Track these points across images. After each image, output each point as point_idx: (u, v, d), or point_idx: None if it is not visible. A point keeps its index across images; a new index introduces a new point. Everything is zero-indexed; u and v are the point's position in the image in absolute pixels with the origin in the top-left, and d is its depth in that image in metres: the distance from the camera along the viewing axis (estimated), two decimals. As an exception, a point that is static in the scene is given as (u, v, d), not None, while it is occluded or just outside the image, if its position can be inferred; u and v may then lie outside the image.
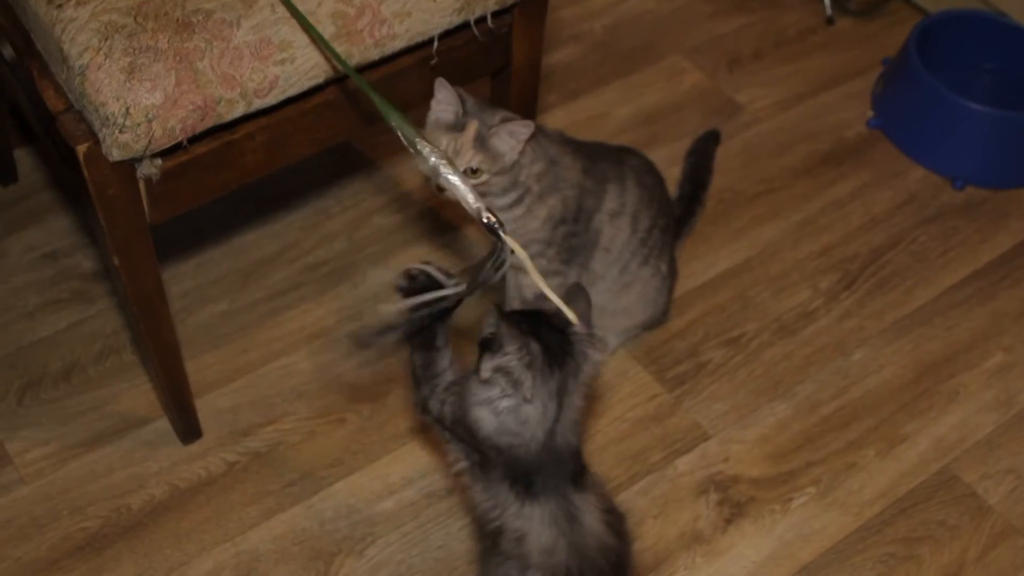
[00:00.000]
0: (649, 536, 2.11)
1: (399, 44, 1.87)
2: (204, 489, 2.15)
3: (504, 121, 1.93)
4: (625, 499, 2.16)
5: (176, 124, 1.69)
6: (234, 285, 2.46)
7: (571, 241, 2.12)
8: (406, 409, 2.25)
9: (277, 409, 2.26)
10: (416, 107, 1.92)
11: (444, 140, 1.92)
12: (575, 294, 1.61)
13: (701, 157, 2.56)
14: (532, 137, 1.97)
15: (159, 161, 1.74)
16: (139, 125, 1.66)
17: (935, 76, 2.71)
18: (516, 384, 1.55)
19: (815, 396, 2.33)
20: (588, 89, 2.92)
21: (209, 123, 1.73)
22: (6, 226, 2.55)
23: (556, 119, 2.81)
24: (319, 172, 2.66)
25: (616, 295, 2.25)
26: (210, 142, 1.79)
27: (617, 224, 2.15)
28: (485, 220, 1.52)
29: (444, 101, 1.93)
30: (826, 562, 2.09)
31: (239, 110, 1.75)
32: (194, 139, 1.75)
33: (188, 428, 2.20)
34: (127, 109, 1.65)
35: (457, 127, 1.93)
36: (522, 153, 1.98)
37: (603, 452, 2.22)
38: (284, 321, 2.40)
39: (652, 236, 2.21)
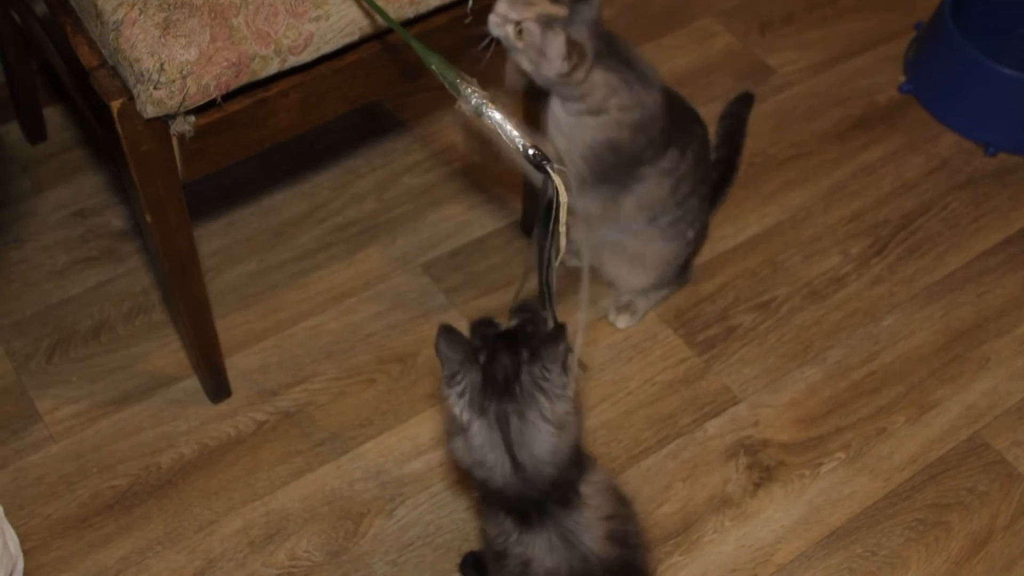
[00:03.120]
0: (678, 499, 2.11)
1: (434, 1, 1.86)
2: (233, 448, 2.15)
3: (573, 44, 1.86)
4: (654, 462, 2.16)
5: (210, 81, 1.69)
6: (263, 245, 2.46)
7: (610, 172, 2.07)
8: (435, 370, 2.24)
9: (306, 369, 2.26)
10: (452, 58, 1.89)
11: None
12: (556, 337, 1.56)
13: (735, 121, 2.54)
14: (637, 79, 1.98)
15: (192, 118, 1.74)
16: (174, 81, 1.65)
17: (968, 41, 2.69)
18: (455, 417, 1.57)
19: (845, 361, 2.32)
20: (618, 52, 2.90)
21: (243, 80, 1.73)
22: (35, 184, 2.55)
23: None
24: (348, 132, 2.65)
25: (640, 242, 2.23)
26: (244, 99, 1.78)
27: (661, 182, 2.12)
28: (531, 154, 1.50)
29: None
30: (855, 527, 2.09)
31: (273, 67, 1.75)
32: (228, 96, 1.75)
33: (217, 387, 2.20)
34: (162, 65, 1.64)
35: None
36: (614, 88, 1.96)
37: (632, 415, 2.22)
38: (313, 281, 2.40)
39: (688, 202, 2.19)
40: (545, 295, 1.64)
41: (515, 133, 1.50)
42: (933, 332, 2.37)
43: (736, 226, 2.54)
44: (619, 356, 2.31)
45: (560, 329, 1.55)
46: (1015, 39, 2.91)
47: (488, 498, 1.66)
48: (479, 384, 1.55)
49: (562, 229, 1.52)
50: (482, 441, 1.56)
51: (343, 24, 1.77)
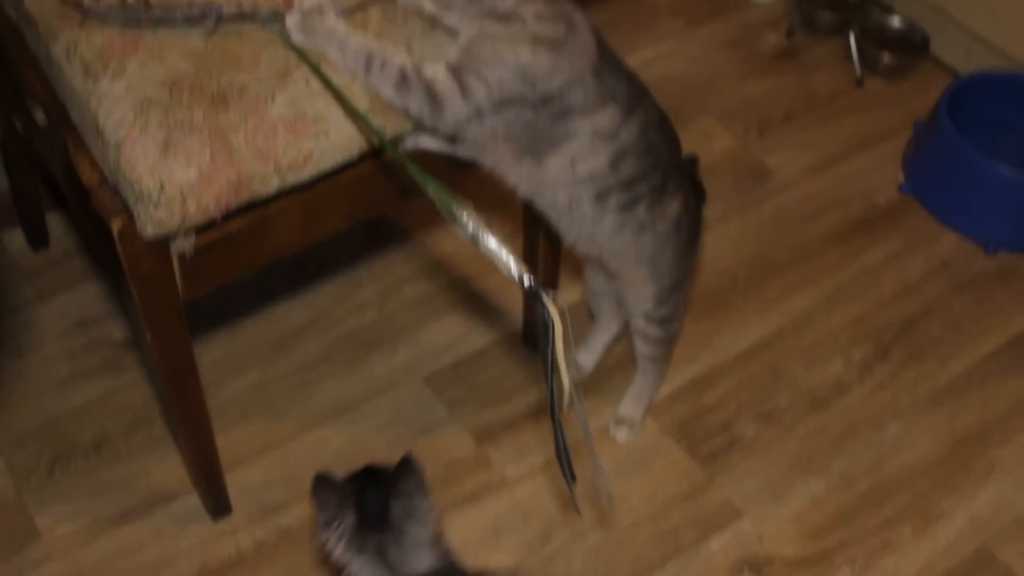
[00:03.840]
0: (684, 615, 2.09)
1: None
2: (234, 567, 2.13)
3: None
4: (659, 578, 2.14)
5: (210, 200, 1.68)
6: (265, 355, 2.45)
7: (523, 115, 1.74)
8: (437, 487, 2.22)
9: (308, 485, 2.21)
10: (448, 179, 1.86)
11: None
12: (407, 467, 1.67)
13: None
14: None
15: (192, 237, 1.73)
16: (173, 201, 1.65)
17: (966, 139, 2.70)
18: (331, 554, 1.66)
19: (849, 472, 2.30)
20: (618, 154, 2.91)
21: (243, 199, 1.73)
22: (38, 292, 2.55)
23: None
24: (350, 240, 2.65)
25: (607, 234, 1.94)
26: (244, 217, 1.78)
27: (595, 145, 1.79)
28: (527, 285, 1.50)
29: None
30: (863, 642, 2.07)
31: (273, 186, 1.74)
32: (228, 215, 1.74)
33: (218, 503, 2.18)
34: (162, 185, 1.64)
35: None
36: None
37: (635, 530, 2.20)
38: (315, 393, 2.39)
39: (636, 188, 1.87)
40: (556, 429, 1.63)
41: (510, 260, 1.50)
42: (937, 440, 2.36)
43: (738, 333, 2.53)
44: (621, 469, 2.29)
45: (407, 461, 1.68)
46: (1014, 136, 2.91)
47: None
48: (355, 524, 1.65)
49: (561, 363, 1.51)
50: (368, 572, 1.65)
51: (342, 141, 1.77)
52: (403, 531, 1.65)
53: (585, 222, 1.90)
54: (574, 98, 1.73)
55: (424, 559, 1.66)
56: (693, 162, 2.18)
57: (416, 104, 1.70)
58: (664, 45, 3.22)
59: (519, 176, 1.84)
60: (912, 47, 3.18)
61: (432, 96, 1.69)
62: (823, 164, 2.94)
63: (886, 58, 3.15)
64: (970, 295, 2.63)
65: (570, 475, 1.61)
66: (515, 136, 1.76)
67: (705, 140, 2.97)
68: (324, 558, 1.69)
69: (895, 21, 3.22)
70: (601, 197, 1.86)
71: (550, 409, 1.57)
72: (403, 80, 1.69)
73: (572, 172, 1.81)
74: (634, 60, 3.07)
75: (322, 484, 1.66)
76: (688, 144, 2.89)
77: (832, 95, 3.12)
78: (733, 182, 2.86)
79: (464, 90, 1.68)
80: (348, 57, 1.71)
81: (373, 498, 1.65)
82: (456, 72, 1.69)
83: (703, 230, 2.13)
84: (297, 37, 1.72)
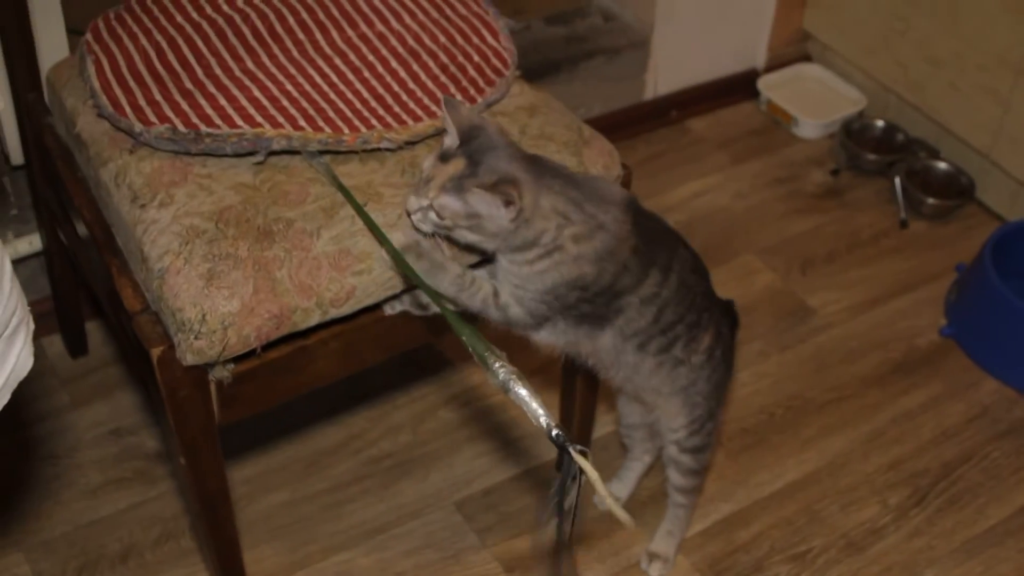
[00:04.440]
0: None
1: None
2: None
3: (498, 185, 1.66)
4: None
5: (251, 332, 1.70)
6: (296, 475, 2.45)
7: (581, 308, 1.82)
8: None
9: (334, 607, 2.24)
10: (483, 321, 1.85)
11: (428, 160, 1.72)
12: None
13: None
14: (586, 197, 1.75)
15: (231, 365, 1.74)
16: (215, 332, 1.66)
17: (1010, 285, 2.69)
18: None
19: (883, 620, 2.28)
20: (660, 286, 2.91)
21: (284, 331, 1.74)
22: (74, 399, 2.56)
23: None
24: (387, 363, 2.63)
25: (644, 375, 1.98)
26: (283, 348, 1.79)
27: (643, 311, 1.86)
28: (554, 436, 1.50)
29: (449, 124, 1.71)
30: None
31: (314, 319, 1.76)
32: (268, 346, 1.75)
33: (244, 622, 2.18)
34: (204, 316, 1.66)
35: (446, 157, 1.70)
36: (564, 213, 1.73)
37: (666, 672, 2.18)
38: (345, 515, 2.38)
39: (674, 330, 1.92)
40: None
41: (540, 412, 1.51)
42: (972, 590, 2.33)
43: (773, 472, 2.51)
44: (652, 606, 2.28)
45: None
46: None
47: None
48: None
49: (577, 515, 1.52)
50: None
51: (385, 279, 1.79)
52: None
53: (626, 367, 1.94)
54: (622, 283, 1.81)
55: None
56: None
57: (496, 320, 1.79)
58: (710, 179, 3.24)
59: (573, 347, 1.91)
60: (957, 191, 3.19)
61: (507, 319, 1.80)
62: (865, 305, 2.93)
63: (931, 201, 3.15)
64: (1010, 443, 2.61)
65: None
66: (574, 326, 1.84)
67: (747, 276, 2.97)
68: None
69: (941, 165, 3.23)
70: (643, 346, 1.90)
71: (554, 553, 1.58)
72: (485, 305, 1.77)
73: (622, 336, 1.88)
74: (679, 194, 3.12)
75: None
76: (730, 279, 2.94)
77: (876, 236, 3.13)
78: (774, 320, 2.86)
79: (531, 314, 1.79)
80: (445, 281, 1.73)
81: None
82: (519, 301, 1.78)
83: (736, 360, 2.15)
84: (400, 238, 1.73)
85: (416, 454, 2.50)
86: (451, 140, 1.70)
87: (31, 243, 2.48)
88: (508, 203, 1.66)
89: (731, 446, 2.55)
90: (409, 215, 1.72)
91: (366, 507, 2.40)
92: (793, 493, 2.48)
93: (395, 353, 1.97)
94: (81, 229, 2.04)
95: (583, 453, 1.51)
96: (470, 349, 1.58)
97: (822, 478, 2.51)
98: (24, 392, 2.43)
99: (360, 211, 1.75)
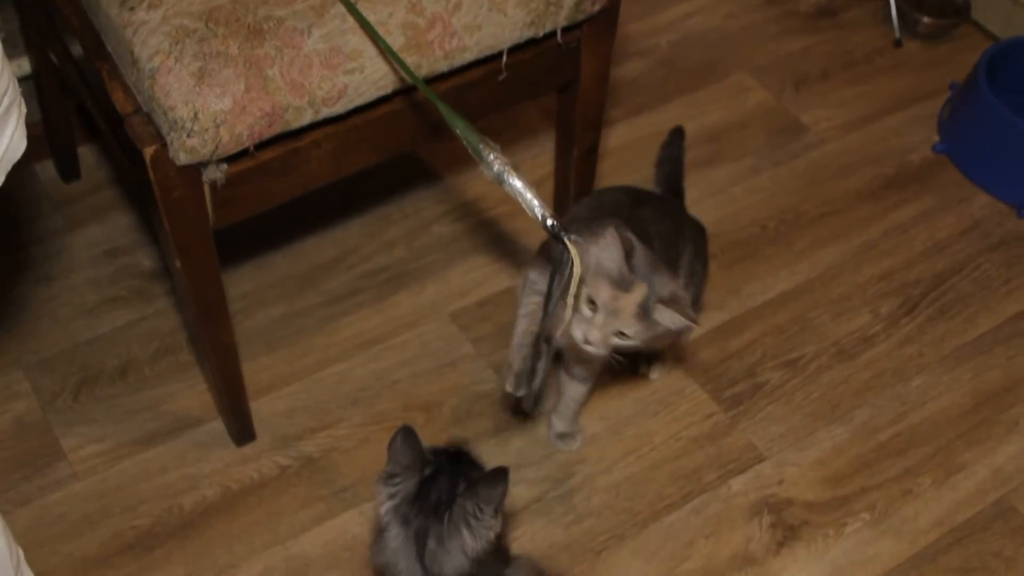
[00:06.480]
0: (700, 556, 2.10)
1: (468, 57, 1.86)
2: (256, 492, 2.15)
3: (674, 300, 1.77)
4: (677, 518, 2.15)
5: (243, 130, 1.70)
6: (292, 289, 2.46)
7: None
8: (461, 419, 2.25)
9: (331, 415, 2.26)
10: (482, 120, 1.86)
11: (605, 292, 1.74)
12: (497, 479, 1.57)
13: (673, 165, 2.54)
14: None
15: (224, 166, 1.75)
16: (207, 130, 1.66)
17: (1003, 101, 2.69)
18: (378, 507, 1.62)
19: (872, 421, 2.30)
20: (652, 105, 2.91)
21: (276, 130, 1.74)
22: (67, 222, 2.56)
23: (620, 134, 2.80)
24: (381, 179, 2.66)
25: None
26: (276, 148, 1.79)
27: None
28: (549, 225, 1.51)
29: (609, 248, 1.74)
30: (878, 590, 2.08)
31: (306, 118, 1.76)
32: (260, 145, 1.75)
33: (242, 430, 2.20)
34: (196, 114, 1.65)
35: (624, 284, 1.74)
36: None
37: (657, 470, 2.21)
38: (341, 327, 2.40)
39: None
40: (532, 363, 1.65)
41: (535, 202, 1.51)
42: (962, 394, 2.36)
43: (765, 283, 2.53)
44: (645, 410, 2.30)
45: (502, 473, 1.56)
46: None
47: None
48: (411, 495, 1.59)
49: (570, 300, 1.53)
50: (396, 547, 1.60)
51: (377, 77, 1.78)
52: (453, 531, 1.58)
53: None
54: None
55: (456, 566, 1.60)
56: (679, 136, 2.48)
57: None
58: (700, 0, 3.21)
59: None
60: (952, 10, 3.16)
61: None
62: (858, 122, 2.93)
63: (926, 20, 3.13)
64: (1000, 256, 2.63)
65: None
66: None
67: (740, 94, 2.97)
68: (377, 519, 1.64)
69: (936, -17, 3.21)
70: None
71: (543, 340, 1.59)
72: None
73: None
74: (670, 15, 3.11)
75: (405, 438, 1.59)
76: (722, 97, 2.94)
77: (870, 55, 3.11)
78: (767, 136, 2.86)
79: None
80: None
81: (444, 483, 1.60)
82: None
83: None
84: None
85: (411, 268, 2.51)
86: (613, 263, 1.74)
87: (20, 67, 2.46)
88: (694, 317, 1.76)
89: (723, 258, 2.56)
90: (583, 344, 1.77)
91: (361, 320, 2.42)
92: (785, 303, 2.50)
93: (387, 156, 1.96)
94: (72, 48, 2.02)
95: (577, 244, 1.52)
96: (464, 142, 1.57)
97: (814, 288, 2.53)
98: (17, 215, 2.46)
99: (351, 8, 1.73)
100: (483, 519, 1.58)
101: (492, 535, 1.59)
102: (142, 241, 2.53)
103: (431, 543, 1.58)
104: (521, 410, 2.26)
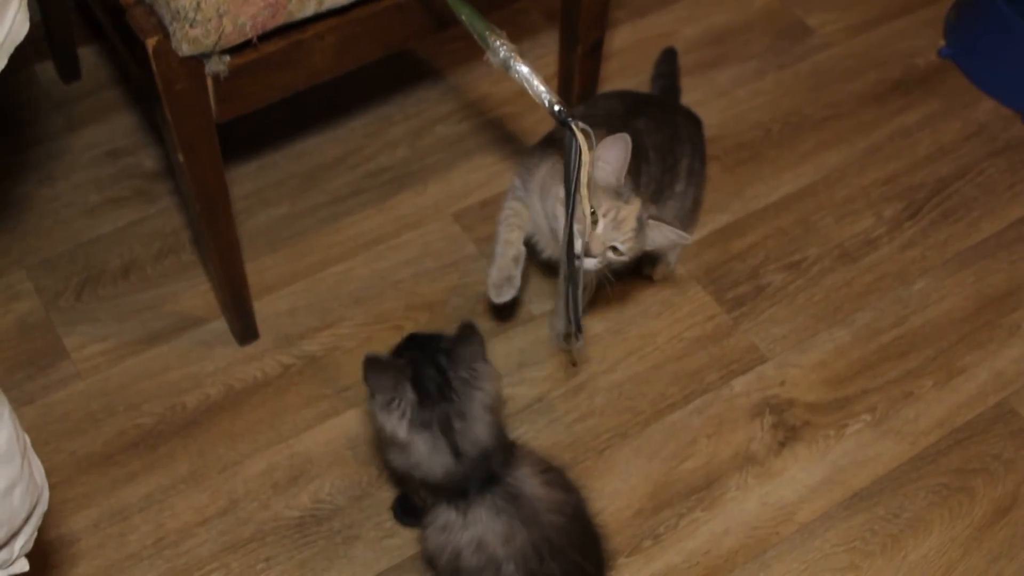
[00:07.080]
0: (702, 455, 2.11)
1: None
2: (259, 390, 2.16)
3: (659, 218, 1.80)
4: (679, 417, 2.15)
5: (246, 20, 1.68)
6: (295, 189, 2.45)
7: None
8: (463, 318, 2.24)
9: (334, 314, 2.26)
10: (485, 12, 1.85)
11: (605, 204, 1.75)
12: (468, 336, 1.65)
13: (669, 80, 2.53)
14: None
15: (227, 58, 1.73)
16: (209, 20, 1.64)
17: (1009, 6, 2.66)
18: (392, 434, 1.64)
19: (874, 324, 2.30)
20: (656, 6, 2.88)
21: (279, 21, 1.72)
22: (69, 122, 2.55)
23: (623, 36, 2.78)
24: (383, 79, 2.64)
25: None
26: (279, 41, 1.77)
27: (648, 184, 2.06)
28: (556, 111, 1.50)
29: (610, 161, 1.74)
30: (878, 489, 2.08)
31: (310, 9, 1.74)
32: (263, 37, 1.74)
33: (245, 329, 2.20)
34: (198, 3, 1.63)
35: (622, 196, 1.76)
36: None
37: (659, 370, 2.22)
38: (344, 227, 2.39)
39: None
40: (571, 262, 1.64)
41: (542, 88, 1.49)
42: (964, 298, 2.36)
43: (769, 185, 2.52)
44: (647, 311, 2.30)
45: (468, 329, 1.64)
46: (1058, 5, 2.87)
47: (433, 493, 1.71)
48: (415, 402, 1.62)
49: (584, 191, 1.51)
50: (428, 450, 1.64)
51: (380, -33, 1.77)
52: (466, 400, 1.63)
53: None
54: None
55: (485, 429, 1.64)
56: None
57: None
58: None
59: None
60: (960, -90, 3.13)
61: None
62: (864, 25, 2.91)
63: (933, -79, 3.10)
64: (1004, 161, 2.62)
65: (577, 326, 1.70)
66: None
67: (745, -4, 2.95)
68: (387, 440, 1.66)
69: None
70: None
71: (566, 238, 1.58)
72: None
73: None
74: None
75: (373, 366, 1.62)
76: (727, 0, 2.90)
77: (877, -44, 3.09)
78: (771, 39, 2.83)
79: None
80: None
81: (431, 371, 1.63)
82: None
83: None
84: None
85: (413, 168, 2.50)
86: (610, 175, 1.74)
87: (18, -36, 2.44)
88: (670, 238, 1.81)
89: (727, 160, 2.55)
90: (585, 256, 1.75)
91: (364, 219, 2.41)
92: (789, 205, 2.49)
93: (391, 50, 1.94)
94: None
95: (585, 132, 1.51)
96: (470, 28, 1.55)
97: (818, 191, 2.52)
98: (17, 116, 2.44)
99: None
100: (479, 372, 1.65)
101: (496, 377, 1.67)
102: (144, 141, 2.52)
103: (457, 424, 1.62)
104: (505, 315, 2.26)
